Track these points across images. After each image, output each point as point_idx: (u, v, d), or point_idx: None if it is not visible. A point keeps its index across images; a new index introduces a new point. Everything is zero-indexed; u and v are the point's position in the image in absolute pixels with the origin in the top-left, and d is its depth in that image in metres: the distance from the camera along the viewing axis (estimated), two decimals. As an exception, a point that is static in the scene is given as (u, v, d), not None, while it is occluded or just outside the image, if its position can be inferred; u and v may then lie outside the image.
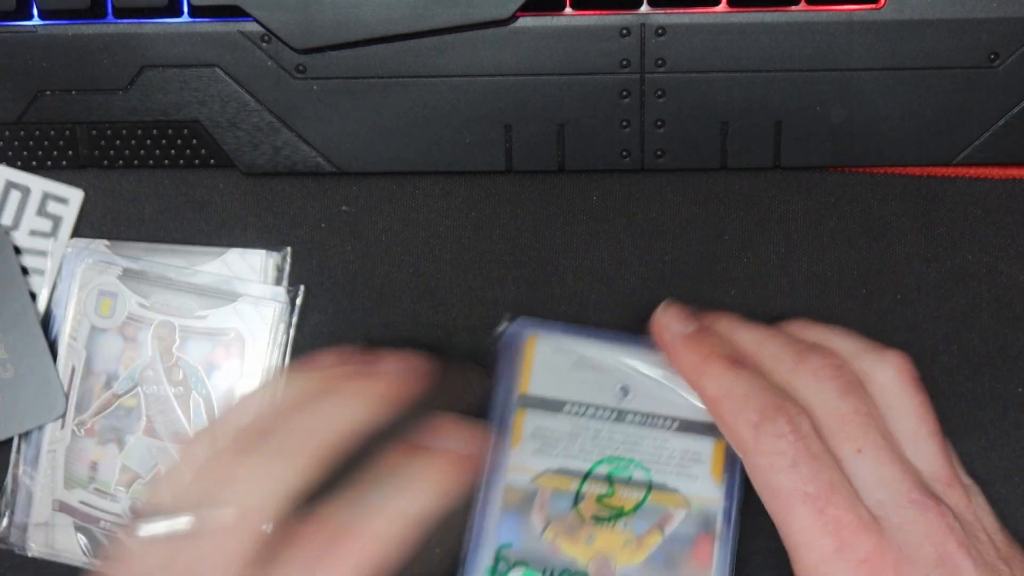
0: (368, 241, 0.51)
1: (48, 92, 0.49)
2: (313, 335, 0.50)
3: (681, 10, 0.48)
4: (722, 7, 0.48)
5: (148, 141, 0.50)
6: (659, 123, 0.49)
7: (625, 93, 0.49)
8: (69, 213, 0.50)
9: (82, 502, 0.48)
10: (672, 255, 0.50)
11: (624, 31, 0.48)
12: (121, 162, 0.50)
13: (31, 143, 0.50)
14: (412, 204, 0.51)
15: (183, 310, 0.48)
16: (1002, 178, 0.50)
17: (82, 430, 0.48)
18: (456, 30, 0.48)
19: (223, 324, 0.49)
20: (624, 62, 0.48)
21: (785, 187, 0.50)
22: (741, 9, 0.48)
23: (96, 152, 0.50)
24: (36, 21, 0.49)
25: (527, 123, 0.49)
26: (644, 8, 0.48)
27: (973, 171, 0.50)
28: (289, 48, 0.49)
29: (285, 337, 0.49)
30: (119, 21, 0.49)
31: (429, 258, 0.51)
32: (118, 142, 0.50)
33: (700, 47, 0.48)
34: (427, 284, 0.51)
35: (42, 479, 0.48)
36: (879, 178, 0.50)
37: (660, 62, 0.48)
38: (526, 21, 0.48)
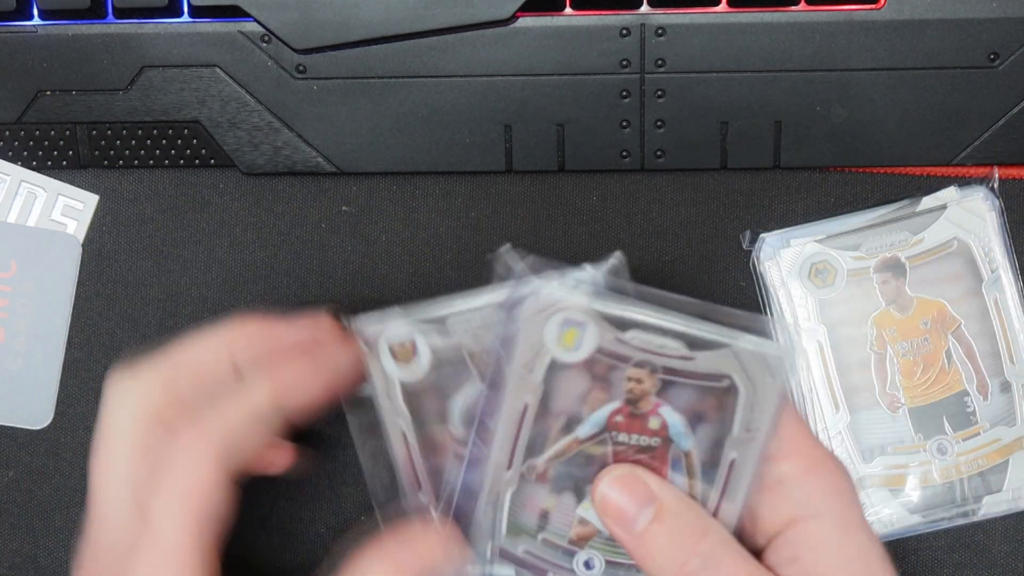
0: (368, 241, 0.51)
1: (48, 92, 0.49)
2: (313, 335, 0.51)
3: (681, 10, 0.48)
4: (722, 7, 0.48)
5: (148, 141, 0.50)
6: (659, 123, 0.49)
7: (625, 93, 0.49)
8: (83, 217, 0.51)
9: (527, 552, 0.41)
10: (672, 255, 0.50)
11: (624, 31, 0.48)
12: (121, 162, 0.50)
13: (31, 143, 0.50)
14: (412, 204, 0.51)
15: (667, 349, 0.39)
16: (1002, 178, 0.50)
17: (533, 475, 0.40)
18: (456, 30, 0.48)
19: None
20: (624, 62, 0.48)
21: (785, 187, 0.50)
22: (741, 9, 0.48)
23: (96, 152, 0.50)
24: (36, 21, 0.49)
25: (527, 123, 0.49)
26: (644, 8, 0.48)
27: (973, 171, 0.50)
28: (289, 48, 0.49)
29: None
30: (119, 21, 0.49)
31: (429, 258, 0.51)
32: (118, 142, 0.50)
33: (700, 47, 0.48)
34: (427, 284, 0.51)
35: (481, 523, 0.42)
36: (879, 178, 0.50)
37: (660, 62, 0.48)
38: (526, 21, 0.48)
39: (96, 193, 0.51)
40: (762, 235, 0.50)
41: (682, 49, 0.48)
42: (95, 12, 0.48)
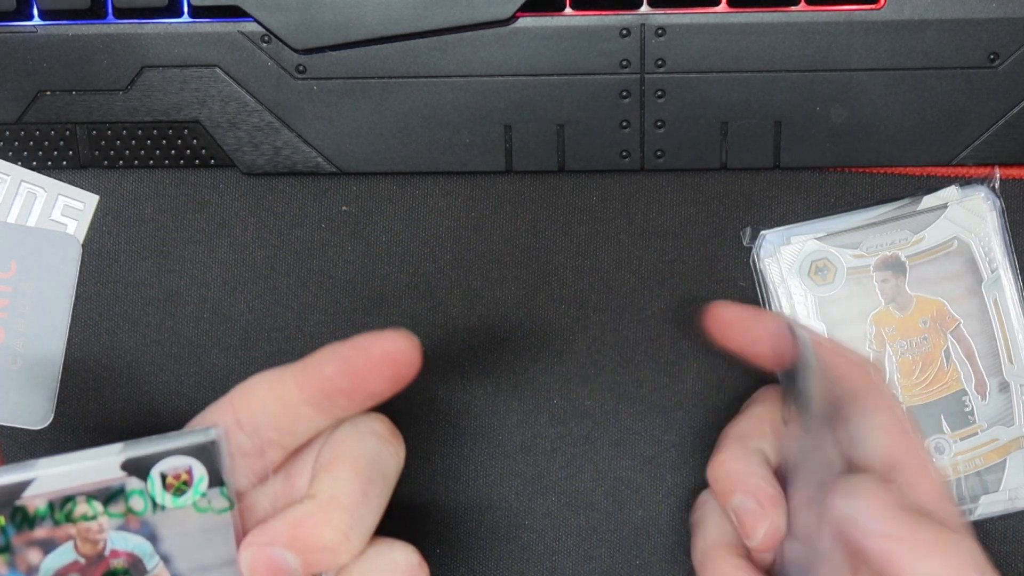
0: (368, 241, 0.51)
1: (48, 92, 0.49)
2: (313, 335, 0.51)
3: (681, 10, 0.48)
4: (722, 7, 0.48)
5: (148, 141, 0.50)
6: (659, 123, 0.49)
7: (625, 93, 0.49)
8: (83, 217, 0.51)
9: None
10: (672, 255, 0.51)
11: (624, 31, 0.48)
12: (121, 162, 0.50)
13: (31, 143, 0.50)
14: (412, 204, 0.51)
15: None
16: (1002, 178, 0.50)
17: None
18: (456, 30, 0.48)
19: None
20: (624, 62, 0.48)
21: (785, 187, 0.50)
22: (741, 9, 0.48)
23: (96, 152, 0.50)
24: (36, 21, 0.49)
25: (527, 123, 0.49)
26: (644, 8, 0.48)
27: (973, 171, 0.50)
28: (289, 48, 0.49)
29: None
30: (119, 21, 0.49)
31: (429, 258, 0.51)
32: (118, 142, 0.50)
33: (700, 47, 0.48)
34: (427, 284, 0.51)
35: None
36: (879, 178, 0.50)
37: (660, 62, 0.48)
38: (526, 21, 0.48)
39: (96, 193, 0.51)
40: (762, 232, 0.50)
41: (682, 49, 0.48)
42: (95, 12, 0.48)
